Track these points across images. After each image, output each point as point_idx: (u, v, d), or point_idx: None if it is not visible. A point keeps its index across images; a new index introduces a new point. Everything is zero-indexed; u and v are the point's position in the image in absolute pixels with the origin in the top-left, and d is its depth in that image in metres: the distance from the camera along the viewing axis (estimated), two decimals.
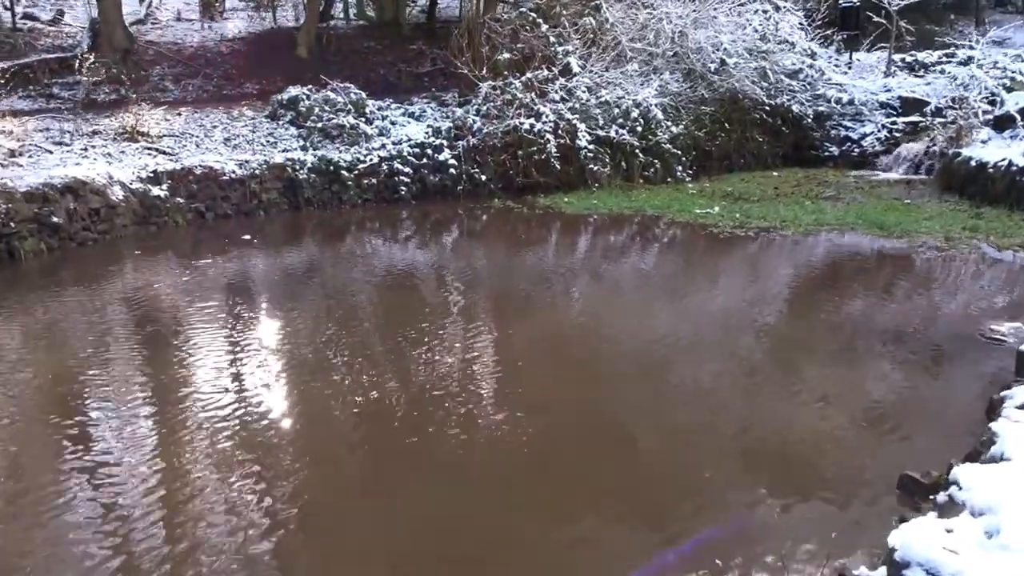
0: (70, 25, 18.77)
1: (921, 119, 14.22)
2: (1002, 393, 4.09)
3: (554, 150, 12.53)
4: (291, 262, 8.57)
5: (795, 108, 15.34)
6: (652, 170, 13.49)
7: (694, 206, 10.94)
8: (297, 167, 11.37)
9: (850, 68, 17.83)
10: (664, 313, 6.74)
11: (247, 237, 9.55)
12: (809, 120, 15.38)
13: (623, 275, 8.11)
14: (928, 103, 14.42)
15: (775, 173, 14.13)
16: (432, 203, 12.02)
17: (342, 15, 21.81)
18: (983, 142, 12.87)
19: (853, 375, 5.04)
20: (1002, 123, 12.97)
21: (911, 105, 14.95)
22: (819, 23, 18.77)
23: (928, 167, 13.40)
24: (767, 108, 15.02)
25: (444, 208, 11.70)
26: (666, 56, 14.75)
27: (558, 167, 12.51)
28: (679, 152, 13.75)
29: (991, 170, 10.93)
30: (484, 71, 13.11)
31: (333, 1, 19.20)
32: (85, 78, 14.35)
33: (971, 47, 16.02)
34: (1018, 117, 12.50)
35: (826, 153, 15.40)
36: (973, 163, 11.40)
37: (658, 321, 6.42)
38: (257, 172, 10.95)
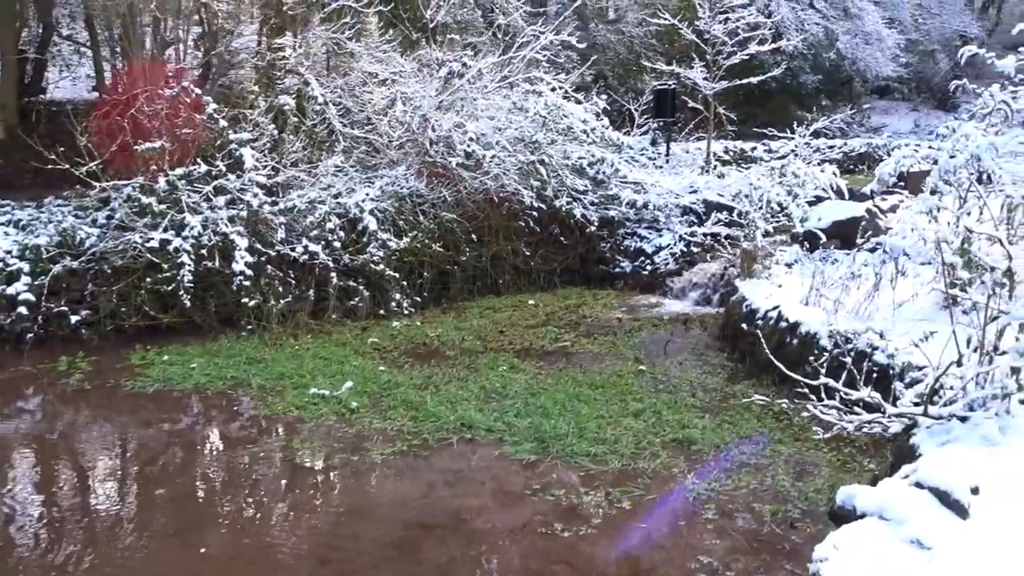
0: None
1: (720, 231, 11.05)
2: None
3: (189, 277, 8.84)
4: None
5: (577, 213, 12.10)
6: (357, 300, 9.91)
7: (336, 374, 7.28)
8: None
9: (667, 161, 14.89)
10: None
11: None
12: (594, 228, 12.13)
13: None
14: (733, 209, 11.26)
15: (531, 300, 10.68)
16: None
17: (86, 89, 18.10)
18: (788, 265, 9.71)
19: None
20: (808, 243, 9.88)
21: (720, 211, 11.81)
22: (641, 107, 16.10)
23: (721, 297, 10.18)
24: (535, 213, 11.73)
25: None
26: (398, 146, 11.40)
27: (188, 302, 8.79)
28: (397, 275, 10.23)
29: (759, 321, 7.64)
30: (92, 164, 9.41)
31: (44, 68, 15.51)
32: None
33: (791, 139, 13.24)
34: (822, 236, 9.42)
35: (617, 269, 12.11)
36: (746, 307, 8.14)
37: None
38: None
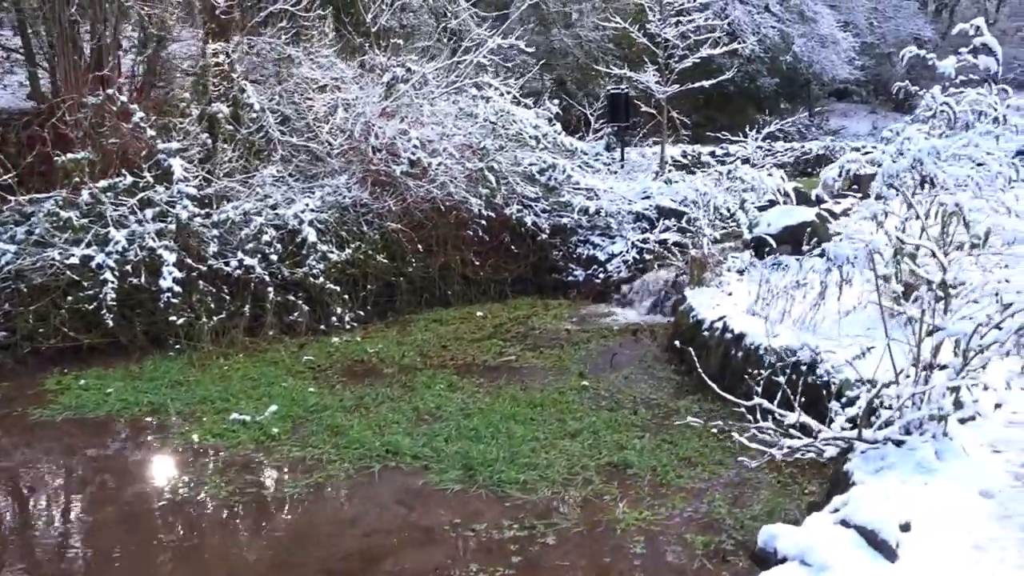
0: None
1: (671, 237, 10.82)
2: None
3: (112, 295, 8.37)
4: None
5: (528, 220, 11.81)
6: (296, 315, 9.50)
7: (263, 397, 6.89)
8: None
9: (622, 166, 14.68)
10: None
11: None
12: (545, 236, 11.84)
13: None
14: (684, 214, 11.03)
15: (480, 312, 10.37)
16: None
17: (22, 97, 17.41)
18: (740, 272, 9.52)
19: None
20: (758, 249, 9.70)
21: (669, 218, 11.59)
22: (597, 112, 15.86)
23: (672, 306, 9.94)
24: (484, 222, 11.41)
25: None
26: (340, 154, 11.01)
27: (112, 322, 8.32)
28: (338, 288, 9.83)
29: (705, 333, 7.41)
30: (6, 177, 8.92)
31: None
32: None
33: (745, 143, 13.13)
34: (771, 242, 9.24)
35: (570, 277, 11.83)
36: (693, 317, 7.90)
37: None
38: None
